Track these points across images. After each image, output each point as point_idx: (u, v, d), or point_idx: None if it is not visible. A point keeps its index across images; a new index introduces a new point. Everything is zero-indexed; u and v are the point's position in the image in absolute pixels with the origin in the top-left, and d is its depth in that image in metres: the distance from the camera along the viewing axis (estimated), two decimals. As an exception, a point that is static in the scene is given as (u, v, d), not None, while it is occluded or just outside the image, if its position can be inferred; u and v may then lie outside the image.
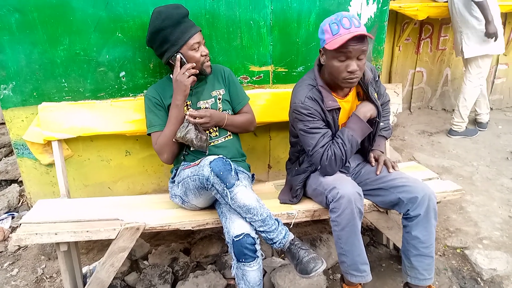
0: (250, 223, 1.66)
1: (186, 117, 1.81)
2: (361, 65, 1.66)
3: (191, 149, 1.92)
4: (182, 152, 1.94)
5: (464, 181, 3.04)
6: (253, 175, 2.10)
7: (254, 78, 2.22)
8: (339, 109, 1.79)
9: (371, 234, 2.51)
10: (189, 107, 1.92)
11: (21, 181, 2.94)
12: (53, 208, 1.88)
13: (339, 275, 2.13)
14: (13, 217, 2.64)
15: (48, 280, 2.17)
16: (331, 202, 1.70)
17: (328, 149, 1.75)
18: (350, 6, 2.17)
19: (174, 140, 1.84)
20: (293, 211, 1.86)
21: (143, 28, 1.93)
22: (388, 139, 2.20)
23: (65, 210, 1.86)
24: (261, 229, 1.66)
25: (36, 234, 1.64)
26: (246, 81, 2.21)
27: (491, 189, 2.94)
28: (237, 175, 1.66)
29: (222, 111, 1.97)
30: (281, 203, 1.95)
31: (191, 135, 1.80)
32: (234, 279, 1.68)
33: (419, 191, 1.73)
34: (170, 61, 1.84)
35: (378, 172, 1.90)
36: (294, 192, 1.92)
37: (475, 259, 2.19)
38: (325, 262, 1.66)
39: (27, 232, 1.64)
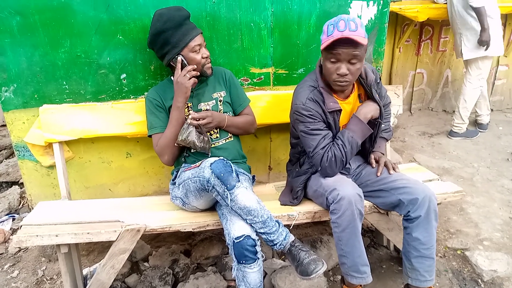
0: (251, 225, 1.66)
1: (188, 120, 1.82)
2: (353, 70, 1.66)
3: (192, 151, 1.92)
4: (183, 154, 1.94)
5: (464, 183, 3.04)
6: (253, 176, 2.11)
7: (255, 80, 2.23)
8: (340, 110, 1.80)
9: (371, 236, 2.51)
10: (190, 109, 1.92)
11: (22, 183, 2.94)
12: (54, 210, 1.88)
13: (339, 277, 2.13)
14: (13, 219, 2.64)
15: (48, 282, 2.18)
16: (331, 204, 1.70)
17: (328, 151, 1.75)
18: (351, 8, 2.17)
19: (176, 144, 1.85)
20: (293, 212, 1.86)
21: (144, 31, 1.94)
22: (389, 141, 2.20)
23: (65, 212, 1.86)
24: (261, 230, 1.66)
25: (37, 236, 1.64)
26: (246, 83, 2.22)
27: (492, 190, 2.94)
28: (238, 177, 1.66)
29: (223, 113, 1.97)
30: (281, 204, 1.95)
31: (193, 137, 1.80)
32: (235, 280, 1.68)
33: (419, 192, 1.73)
34: (171, 63, 1.85)
35: (378, 174, 1.90)
36: (294, 193, 1.92)
37: (476, 260, 2.19)
38: (326, 264, 1.66)
39: (27, 234, 1.64)
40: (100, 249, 2.34)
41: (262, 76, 2.23)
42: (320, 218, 1.91)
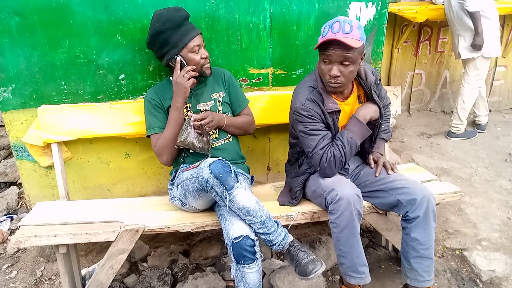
0: (250, 225, 1.66)
1: (191, 122, 1.81)
2: (345, 72, 1.66)
3: (191, 151, 1.92)
4: (182, 154, 1.94)
5: (463, 183, 3.05)
6: (252, 177, 2.11)
7: (254, 81, 2.23)
8: (339, 111, 1.80)
9: (370, 236, 2.51)
10: (188, 109, 1.92)
11: (20, 183, 2.93)
12: (52, 210, 1.88)
13: (338, 277, 2.14)
14: (12, 219, 2.63)
15: (47, 282, 2.17)
16: (330, 204, 1.71)
17: (327, 151, 1.76)
18: (349, 9, 2.18)
19: (176, 146, 1.85)
20: (292, 213, 1.86)
21: (143, 31, 1.94)
22: (388, 141, 2.21)
23: (64, 212, 1.86)
24: (260, 231, 1.66)
25: (35, 236, 1.64)
26: (245, 83, 2.22)
27: (490, 190, 2.95)
28: (237, 177, 1.66)
29: (222, 113, 1.98)
30: (280, 205, 1.95)
31: (191, 138, 1.80)
32: (234, 281, 1.68)
33: (418, 193, 1.73)
34: (170, 63, 1.85)
35: (377, 174, 1.90)
36: (293, 194, 1.92)
37: (474, 260, 2.20)
38: (324, 264, 1.66)
39: (26, 234, 1.64)
40: (98, 249, 2.34)
41: (261, 77, 2.23)
42: (319, 218, 1.91)
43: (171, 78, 1.94)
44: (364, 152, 1.99)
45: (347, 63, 1.64)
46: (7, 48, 1.85)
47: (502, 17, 4.03)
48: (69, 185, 2.11)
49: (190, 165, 1.84)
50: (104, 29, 1.92)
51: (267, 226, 1.66)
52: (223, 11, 2.03)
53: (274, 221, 1.71)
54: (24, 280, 2.18)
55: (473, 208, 2.72)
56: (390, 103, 2.10)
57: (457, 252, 2.33)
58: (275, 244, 1.69)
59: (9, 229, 2.54)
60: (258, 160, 2.46)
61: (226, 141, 2.00)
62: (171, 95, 1.85)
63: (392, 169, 1.91)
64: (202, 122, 1.83)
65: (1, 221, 2.60)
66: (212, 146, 1.94)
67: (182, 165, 1.94)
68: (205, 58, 1.86)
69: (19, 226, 1.72)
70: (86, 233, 1.67)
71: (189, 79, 1.80)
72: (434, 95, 4.58)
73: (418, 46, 4.30)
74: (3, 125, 3.57)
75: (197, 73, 1.84)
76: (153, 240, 2.46)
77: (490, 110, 4.38)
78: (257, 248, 1.63)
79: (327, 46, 1.63)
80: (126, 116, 2.05)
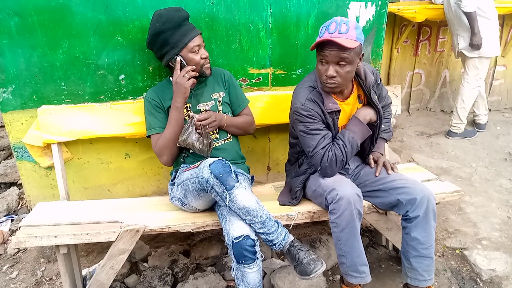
0: (250, 225, 1.66)
1: (193, 122, 1.81)
2: (342, 72, 1.66)
3: (191, 151, 1.92)
4: (182, 154, 1.94)
5: (463, 182, 3.05)
6: (252, 177, 2.11)
7: (253, 81, 2.23)
8: (339, 111, 1.80)
9: (370, 235, 2.51)
10: (189, 109, 1.93)
11: (20, 184, 2.94)
12: (52, 210, 1.88)
13: (338, 276, 2.14)
14: (12, 220, 2.63)
15: (47, 282, 2.17)
16: (330, 204, 1.71)
17: (329, 151, 1.76)
18: (349, 9, 2.18)
19: (177, 144, 1.85)
20: (292, 212, 1.87)
21: (143, 32, 1.94)
22: (388, 141, 2.21)
23: (64, 212, 1.86)
24: (260, 230, 1.66)
25: (36, 237, 1.64)
26: (245, 83, 2.22)
27: (490, 190, 2.95)
28: (237, 177, 1.66)
29: (222, 113, 1.98)
30: (280, 204, 1.95)
31: (192, 139, 1.80)
32: (234, 280, 1.68)
33: (418, 192, 1.73)
34: (170, 63, 1.85)
35: (377, 174, 1.90)
36: (293, 193, 1.92)
37: (474, 259, 2.20)
38: (325, 264, 1.66)
39: (26, 235, 1.64)
40: (99, 249, 2.34)
41: (261, 77, 2.23)
42: (319, 218, 1.91)
43: (171, 78, 1.94)
44: (363, 152, 1.99)
45: (343, 63, 1.64)
46: (7, 49, 1.85)
47: (501, 17, 4.03)
48: (69, 186, 2.11)
49: (191, 165, 1.85)
50: (103, 29, 1.92)
51: (268, 226, 1.67)
52: (223, 11, 2.03)
53: (275, 221, 1.71)
54: (24, 280, 2.18)
55: (473, 208, 2.73)
56: (391, 103, 2.11)
57: (457, 251, 2.33)
58: (275, 244, 1.69)
59: (9, 230, 2.54)
60: (258, 160, 2.46)
61: (226, 141, 2.00)
62: (171, 95, 1.86)
63: (392, 169, 1.92)
64: (204, 122, 1.83)
65: (2, 222, 2.60)
66: (213, 146, 1.94)
67: (182, 165, 1.94)
68: (205, 58, 1.86)
69: (20, 227, 1.72)
70: (87, 234, 1.67)
71: (189, 79, 1.80)
72: (434, 95, 4.58)
73: (418, 46, 4.30)
74: (3, 126, 3.57)
75: (197, 73, 1.84)
76: (154, 240, 2.46)
77: (489, 110, 4.39)
78: (257, 248, 1.63)
79: (323, 46, 1.64)
80: (126, 116, 2.05)
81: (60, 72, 1.95)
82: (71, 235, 1.66)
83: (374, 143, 1.94)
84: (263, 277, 2.05)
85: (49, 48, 1.90)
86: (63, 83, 1.98)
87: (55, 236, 1.65)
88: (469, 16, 3.31)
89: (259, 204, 1.67)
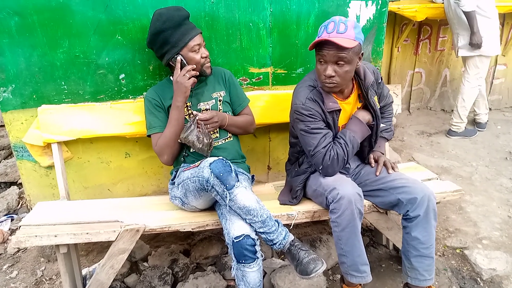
0: (250, 224, 1.66)
1: (196, 120, 1.81)
2: (340, 72, 1.66)
3: (191, 150, 1.92)
4: (182, 154, 1.94)
5: (463, 182, 3.05)
6: (253, 176, 2.11)
7: (254, 80, 2.23)
8: (339, 110, 1.80)
9: (370, 235, 2.51)
10: (189, 108, 1.92)
11: (20, 183, 2.93)
12: (52, 210, 1.88)
13: (339, 276, 2.14)
14: (12, 219, 2.63)
15: (47, 282, 2.17)
16: (331, 203, 1.71)
17: (330, 149, 1.76)
18: (349, 8, 2.17)
19: (178, 140, 1.85)
20: (293, 212, 1.86)
21: (143, 31, 1.93)
22: (389, 140, 2.21)
23: (64, 212, 1.86)
24: (261, 230, 1.66)
25: (36, 236, 1.64)
26: (245, 82, 2.22)
27: (490, 189, 2.95)
28: (237, 177, 1.66)
29: (224, 112, 1.98)
30: (281, 204, 1.95)
31: (193, 137, 1.80)
32: (234, 280, 1.68)
33: (418, 191, 1.73)
34: (171, 62, 1.85)
35: (377, 173, 1.90)
36: (294, 193, 1.92)
37: (475, 259, 2.20)
38: (325, 263, 1.66)
39: (26, 235, 1.64)
40: (99, 249, 2.34)
41: (261, 76, 2.23)
42: (320, 217, 1.91)
43: (171, 77, 1.93)
44: (362, 152, 1.99)
45: (342, 63, 1.64)
46: (7, 48, 1.85)
47: (502, 16, 4.03)
48: (69, 185, 2.11)
49: (191, 165, 1.84)
50: (104, 28, 1.92)
51: (268, 225, 1.66)
52: (223, 10, 2.03)
53: (275, 220, 1.71)
54: (24, 280, 2.18)
55: (474, 207, 2.72)
56: (392, 102, 2.10)
57: (457, 250, 2.33)
58: (276, 243, 1.69)
59: (9, 229, 2.54)
60: (259, 159, 2.46)
61: (226, 140, 2.00)
62: (172, 94, 1.85)
63: (393, 168, 1.91)
64: (206, 122, 1.83)
65: (2, 221, 2.60)
66: (214, 145, 1.94)
67: (182, 165, 1.94)
68: (206, 57, 1.86)
69: (20, 226, 1.72)
70: (87, 233, 1.67)
71: (189, 78, 1.80)
72: (434, 94, 4.58)
73: (418, 45, 4.30)
74: (3, 125, 3.57)
75: (198, 73, 1.84)
76: (154, 239, 2.46)
77: (490, 109, 4.39)
78: (257, 248, 1.63)
79: (321, 46, 1.64)
80: (126, 115, 2.05)
81: (60, 71, 1.95)
82: (71, 235, 1.66)
83: (372, 144, 1.94)
84: (263, 276, 2.04)
85: (49, 47, 1.89)
86: (63, 83, 1.97)
87: (55, 236, 1.65)
88: (468, 15, 3.31)
89: (259, 203, 1.67)
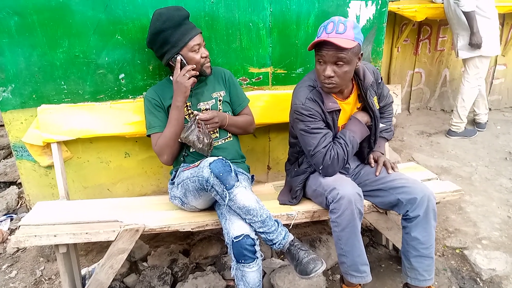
0: (250, 224, 1.66)
1: (196, 120, 1.81)
2: (340, 72, 1.65)
3: (191, 150, 1.92)
4: (182, 154, 1.94)
5: (463, 182, 3.05)
6: (252, 176, 2.11)
7: (253, 80, 2.23)
8: (339, 110, 1.80)
9: (370, 235, 2.51)
10: (189, 108, 1.92)
11: (20, 183, 2.93)
12: (52, 210, 1.88)
13: (338, 276, 2.13)
14: (11, 219, 2.63)
15: (47, 282, 2.17)
16: (331, 203, 1.71)
17: (331, 149, 1.76)
18: (349, 8, 2.17)
19: (179, 140, 1.85)
20: (292, 212, 1.86)
21: (143, 31, 1.93)
22: (389, 140, 2.21)
23: (64, 212, 1.86)
24: (260, 230, 1.66)
25: (35, 236, 1.64)
26: (245, 82, 2.22)
27: (490, 189, 2.95)
28: (237, 176, 1.66)
29: (224, 112, 1.97)
30: (280, 204, 1.95)
31: (193, 137, 1.80)
32: (234, 280, 1.68)
33: (418, 192, 1.73)
34: (170, 62, 1.84)
35: (377, 173, 1.90)
36: (293, 193, 1.92)
37: (474, 259, 2.20)
38: (325, 263, 1.66)
39: (26, 234, 1.64)
40: (98, 249, 2.34)
41: (261, 76, 2.23)
42: (319, 217, 1.91)
43: (171, 77, 1.93)
44: (362, 152, 1.99)
45: (341, 63, 1.64)
46: (7, 48, 1.85)
47: (501, 16, 4.03)
48: (69, 185, 2.11)
49: (190, 165, 1.84)
50: (103, 28, 1.92)
51: (268, 225, 1.66)
52: (223, 10, 2.03)
53: (275, 220, 1.70)
54: (24, 280, 2.18)
55: (473, 207, 2.72)
56: (392, 102, 2.11)
57: (457, 251, 2.33)
58: (275, 243, 1.69)
59: (9, 229, 2.54)
60: (258, 159, 2.45)
61: (226, 140, 2.00)
62: (171, 94, 1.85)
63: (393, 168, 1.91)
64: (206, 122, 1.83)
65: (1, 221, 2.59)
66: (214, 145, 1.93)
67: (182, 165, 1.93)
68: (205, 57, 1.86)
69: (19, 226, 1.72)
70: (86, 233, 1.67)
71: (189, 78, 1.80)
72: (434, 94, 4.58)
73: (418, 45, 4.30)
74: (2, 125, 3.57)
75: (197, 72, 1.84)
76: (153, 239, 2.46)
77: (490, 109, 4.39)
78: (257, 247, 1.63)
79: (321, 46, 1.64)
80: (126, 115, 2.05)
81: (60, 71, 1.95)
82: (70, 235, 1.66)
83: (371, 144, 1.94)
84: (263, 276, 2.04)
85: (49, 47, 1.89)
86: (63, 82, 1.97)
87: (55, 236, 1.65)
88: (468, 16, 3.31)
89: (259, 203, 1.67)
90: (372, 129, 1.89)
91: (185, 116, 1.89)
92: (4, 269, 2.25)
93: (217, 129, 1.95)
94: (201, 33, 1.85)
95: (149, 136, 1.92)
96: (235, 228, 1.63)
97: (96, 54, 1.95)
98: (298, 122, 1.79)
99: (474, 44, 3.41)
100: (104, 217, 1.79)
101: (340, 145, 1.77)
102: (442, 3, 3.70)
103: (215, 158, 1.68)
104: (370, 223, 2.35)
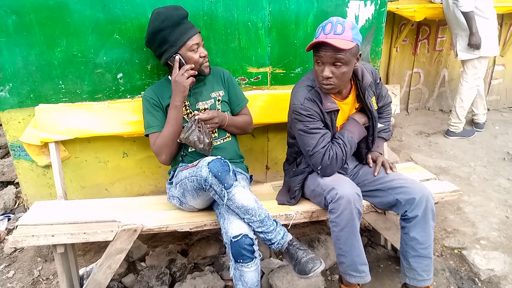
0: (248, 224, 1.66)
1: (197, 120, 1.80)
2: (338, 73, 1.65)
3: (189, 150, 1.92)
4: (180, 153, 1.94)
5: (461, 182, 3.05)
6: (251, 176, 2.10)
7: (252, 80, 2.22)
8: (337, 110, 1.80)
9: (369, 235, 2.51)
10: (187, 108, 1.92)
11: (17, 183, 2.92)
12: (50, 210, 1.87)
13: (337, 276, 2.13)
14: (9, 219, 2.62)
15: (44, 282, 2.16)
16: (330, 203, 1.70)
17: (329, 150, 1.76)
18: (348, 7, 2.17)
19: (178, 140, 1.84)
20: (291, 212, 1.86)
21: (141, 30, 1.93)
22: (387, 140, 2.21)
23: (62, 212, 1.85)
24: (259, 229, 1.66)
25: (33, 236, 1.63)
26: (244, 82, 2.21)
27: (488, 189, 2.95)
28: (235, 176, 1.66)
29: (223, 112, 1.97)
30: (279, 204, 1.95)
31: (194, 137, 1.79)
32: (232, 280, 1.68)
33: (416, 192, 1.73)
34: (169, 62, 1.84)
35: (376, 173, 1.90)
36: (292, 193, 1.92)
37: (473, 259, 2.20)
38: (324, 263, 1.66)
39: (23, 234, 1.63)
40: (96, 249, 2.33)
41: (260, 76, 2.23)
42: (318, 217, 1.91)
43: (169, 77, 1.93)
44: (360, 153, 1.99)
45: (339, 64, 1.63)
46: (4, 47, 1.84)
47: (500, 16, 4.03)
48: (66, 185, 2.10)
49: (189, 164, 1.84)
50: (101, 27, 1.91)
51: (266, 225, 1.66)
52: (222, 9, 2.02)
53: (273, 220, 1.70)
54: (21, 280, 2.17)
55: (472, 207, 2.73)
56: (391, 102, 2.10)
57: (456, 251, 2.33)
58: (274, 243, 1.68)
59: (6, 229, 2.53)
60: (257, 159, 2.45)
61: (225, 140, 1.99)
62: (170, 93, 1.85)
63: (391, 168, 1.91)
64: (207, 118, 1.82)
65: (-1, 221, 2.59)
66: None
67: (180, 164, 1.93)
68: (204, 56, 1.86)
69: (17, 226, 1.71)
70: (84, 233, 1.66)
71: (188, 77, 1.79)
72: (433, 94, 4.58)
73: (417, 45, 4.30)
74: (0, 124, 3.55)
75: (196, 72, 1.84)
76: (151, 239, 2.45)
77: (488, 109, 4.39)
78: (255, 247, 1.63)
79: (319, 47, 1.63)
80: (124, 115, 2.04)
81: (58, 70, 1.94)
82: (68, 235, 1.65)
83: (369, 144, 1.94)
84: (261, 277, 2.04)
85: (47, 46, 1.89)
86: (60, 82, 1.97)
87: (52, 236, 1.64)
88: (467, 16, 3.31)
89: (257, 203, 1.67)
90: (370, 130, 1.89)
91: (184, 116, 1.88)
92: (1, 269, 2.25)
93: (216, 129, 1.95)
94: (199, 32, 1.85)
95: (147, 135, 1.92)
96: (233, 227, 1.63)
97: (94, 53, 1.95)
98: (296, 122, 1.79)
99: (473, 45, 3.41)
100: (102, 217, 1.78)
101: (338, 145, 1.77)
102: (441, 3, 3.70)
103: (214, 157, 1.68)
104: (369, 223, 2.35)
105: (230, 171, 1.63)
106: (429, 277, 1.78)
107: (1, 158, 3.34)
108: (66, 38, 1.89)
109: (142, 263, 2.28)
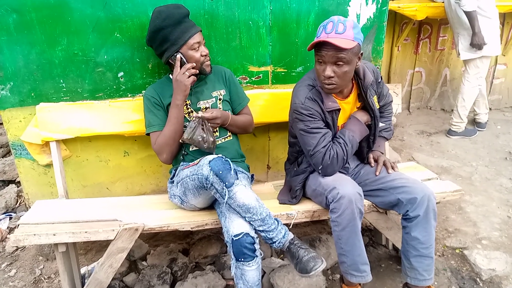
0: (250, 223, 1.65)
1: (197, 115, 1.80)
2: (339, 73, 1.64)
3: (190, 149, 1.91)
4: (181, 152, 1.94)
5: (463, 181, 3.04)
6: (252, 175, 2.10)
7: (253, 79, 2.22)
8: (339, 110, 1.79)
9: (370, 235, 2.51)
10: (189, 106, 1.92)
11: (19, 182, 2.93)
12: (51, 208, 1.87)
13: (338, 276, 2.13)
14: (10, 218, 2.63)
15: (46, 281, 2.17)
16: (331, 203, 1.70)
17: (330, 149, 1.75)
18: (349, 6, 2.16)
19: (181, 141, 1.84)
20: (292, 211, 1.86)
21: (142, 29, 1.92)
22: (388, 140, 2.20)
23: (63, 211, 1.85)
24: (260, 228, 1.65)
25: (34, 235, 1.63)
26: (245, 81, 2.21)
27: (490, 189, 2.94)
28: (237, 175, 1.66)
29: (226, 111, 1.97)
30: (280, 203, 1.94)
31: (198, 137, 1.79)
32: (233, 279, 1.68)
33: (418, 191, 1.73)
34: (170, 60, 1.84)
35: (377, 173, 1.89)
36: (293, 192, 1.92)
37: (474, 259, 2.19)
38: (325, 261, 1.65)
39: (25, 233, 1.63)
40: (98, 248, 2.33)
41: (261, 75, 2.22)
42: (319, 217, 1.91)
43: (170, 75, 1.93)
44: (361, 152, 1.98)
45: (340, 63, 1.63)
46: (5, 46, 1.84)
47: (502, 15, 4.02)
48: (68, 184, 2.10)
49: (190, 163, 1.84)
50: (102, 26, 1.91)
51: (267, 223, 1.66)
52: (223, 8, 2.02)
53: (274, 219, 1.70)
54: (23, 278, 2.17)
55: (473, 207, 2.72)
56: (392, 101, 2.10)
57: (457, 251, 2.33)
58: (275, 241, 1.68)
59: (8, 228, 2.53)
60: (258, 159, 2.45)
61: (226, 139, 1.99)
62: (171, 92, 1.85)
63: (393, 168, 1.91)
64: (210, 117, 1.82)
65: (0, 220, 2.59)
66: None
67: (181, 163, 1.93)
68: (205, 55, 1.85)
69: (18, 225, 1.71)
70: (86, 232, 1.66)
71: (189, 76, 1.79)
72: (434, 93, 4.57)
73: (418, 44, 4.29)
74: (1, 123, 3.56)
75: (197, 71, 1.83)
76: (153, 238, 2.45)
77: (490, 109, 4.38)
78: (257, 246, 1.62)
79: (320, 46, 1.63)
80: (125, 114, 2.04)
81: (58, 69, 1.94)
82: (69, 234, 1.65)
83: (370, 143, 1.94)
84: (262, 276, 2.04)
85: (47, 45, 1.88)
86: (61, 81, 1.96)
87: (54, 235, 1.64)
88: (469, 15, 3.30)
89: (258, 201, 1.67)
90: (372, 129, 1.88)
91: (185, 115, 1.88)
92: (3, 267, 2.25)
93: (217, 128, 1.94)
94: (201, 31, 1.85)
95: (148, 134, 1.92)
96: (234, 226, 1.63)
97: (95, 52, 1.94)
98: (297, 122, 1.78)
99: (476, 44, 3.39)
100: (103, 216, 1.78)
101: (339, 145, 1.77)
102: (443, 2, 3.69)
103: (215, 156, 1.67)
104: (370, 223, 2.34)
105: (231, 169, 1.63)
106: (430, 277, 1.77)
107: (2, 157, 3.34)
108: (67, 36, 1.89)
109: (144, 262, 2.28)
